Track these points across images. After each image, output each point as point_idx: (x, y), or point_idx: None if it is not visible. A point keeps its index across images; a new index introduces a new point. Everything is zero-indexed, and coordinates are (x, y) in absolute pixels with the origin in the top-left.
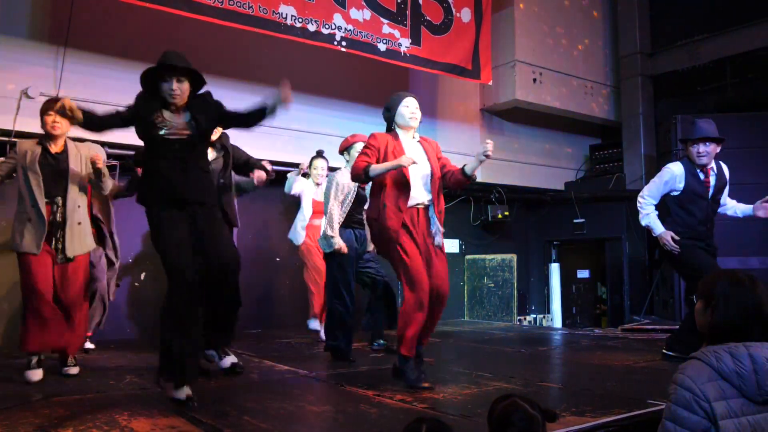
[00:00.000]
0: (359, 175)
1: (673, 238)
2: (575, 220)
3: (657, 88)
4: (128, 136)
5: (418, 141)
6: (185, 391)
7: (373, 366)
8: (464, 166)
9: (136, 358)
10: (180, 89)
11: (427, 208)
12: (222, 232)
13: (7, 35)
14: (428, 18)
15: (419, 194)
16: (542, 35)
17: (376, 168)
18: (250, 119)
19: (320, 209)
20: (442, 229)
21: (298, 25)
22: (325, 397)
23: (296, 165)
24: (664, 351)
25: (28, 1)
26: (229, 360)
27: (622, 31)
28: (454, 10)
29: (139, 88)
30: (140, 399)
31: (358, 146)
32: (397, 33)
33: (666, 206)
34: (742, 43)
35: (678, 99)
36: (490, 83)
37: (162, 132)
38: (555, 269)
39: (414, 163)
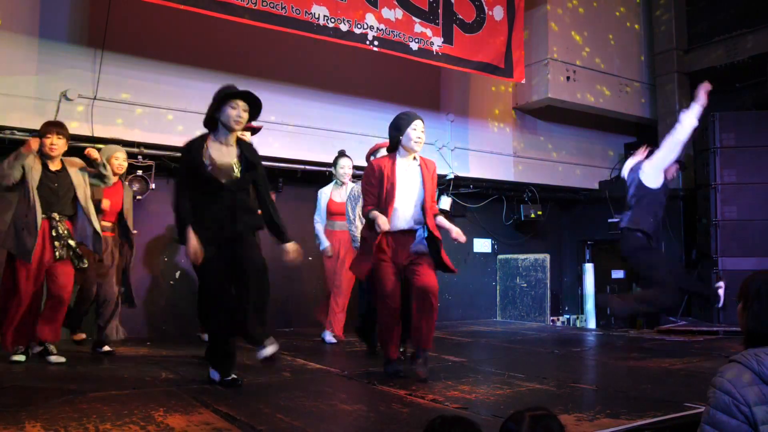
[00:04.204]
0: (366, 217)
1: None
2: (609, 220)
3: (694, 85)
4: (163, 138)
5: (418, 164)
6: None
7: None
8: (436, 215)
9: (172, 355)
10: (244, 118)
11: (410, 231)
12: (255, 249)
13: (46, 39)
14: (460, 16)
15: (405, 219)
16: (576, 32)
17: (373, 215)
18: (268, 219)
19: (339, 210)
20: (425, 234)
21: (331, 25)
22: (357, 396)
23: (326, 164)
24: None
25: (67, 5)
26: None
27: (657, 28)
28: (486, 8)
29: (170, 91)
30: (176, 395)
31: (383, 151)
32: (429, 32)
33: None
34: None
35: (715, 96)
36: (523, 81)
37: (209, 169)
38: (589, 269)
39: (386, 228)
